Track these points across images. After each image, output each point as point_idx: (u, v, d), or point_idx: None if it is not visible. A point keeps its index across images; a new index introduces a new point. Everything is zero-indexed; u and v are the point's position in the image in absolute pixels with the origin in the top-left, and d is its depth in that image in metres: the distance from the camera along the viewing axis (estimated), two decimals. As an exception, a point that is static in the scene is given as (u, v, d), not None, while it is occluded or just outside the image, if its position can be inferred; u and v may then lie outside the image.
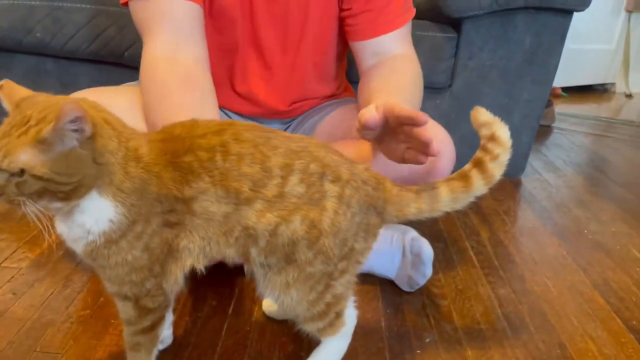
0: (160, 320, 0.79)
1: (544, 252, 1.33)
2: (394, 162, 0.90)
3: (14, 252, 1.19)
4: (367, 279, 1.13)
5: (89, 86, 1.15)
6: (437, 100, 1.70)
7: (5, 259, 1.16)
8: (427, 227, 1.37)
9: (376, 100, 0.95)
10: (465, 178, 0.82)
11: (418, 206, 0.81)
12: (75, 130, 0.61)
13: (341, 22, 1.12)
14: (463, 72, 1.67)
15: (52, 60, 1.66)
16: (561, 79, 3.03)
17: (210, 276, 1.13)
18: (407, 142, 0.85)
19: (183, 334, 0.97)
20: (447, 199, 0.82)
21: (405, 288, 1.12)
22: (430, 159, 1.06)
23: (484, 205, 1.59)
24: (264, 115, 1.20)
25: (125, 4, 1.01)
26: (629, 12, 3.27)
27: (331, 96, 1.26)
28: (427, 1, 1.67)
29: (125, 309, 0.76)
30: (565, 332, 1.02)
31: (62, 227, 0.71)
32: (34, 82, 1.66)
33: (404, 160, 0.87)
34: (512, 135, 0.85)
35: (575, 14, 1.63)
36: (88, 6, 1.54)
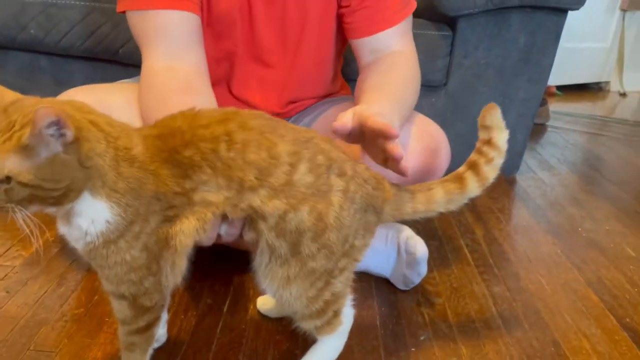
0: (155, 320, 0.78)
1: (539, 250, 1.34)
2: None
3: (8, 250, 1.19)
4: (363, 278, 1.13)
5: (84, 83, 1.15)
6: (433, 98, 1.70)
7: (-1, 257, 1.16)
8: (422, 225, 1.37)
9: (364, 101, 0.96)
10: (460, 180, 0.84)
11: (414, 206, 0.83)
12: (57, 135, 0.60)
13: (340, 19, 1.12)
14: (458, 71, 1.67)
15: (46, 57, 1.65)
16: (556, 78, 3.03)
17: (206, 274, 1.13)
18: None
19: (178, 332, 0.96)
20: (443, 200, 0.84)
21: (401, 286, 1.12)
22: (427, 157, 1.07)
23: (479, 203, 1.59)
24: None
25: (123, 12, 1.02)
26: (624, 10, 3.28)
27: (328, 95, 1.26)
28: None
29: (120, 308, 0.75)
30: (559, 330, 1.03)
31: (63, 229, 0.71)
32: (28, 79, 1.65)
33: (386, 166, 0.87)
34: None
35: (570, 12, 1.63)
36: (82, 3, 1.53)
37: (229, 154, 0.69)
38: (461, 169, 0.85)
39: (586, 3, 1.61)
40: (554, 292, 1.15)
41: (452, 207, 0.85)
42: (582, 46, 3.22)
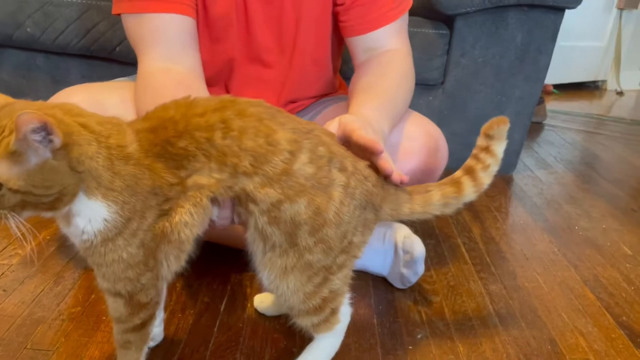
0: (150, 318, 0.78)
1: (535, 249, 1.34)
2: None
3: (4, 248, 1.18)
4: (360, 276, 1.13)
5: (80, 81, 1.14)
6: (430, 97, 1.71)
7: (-5, 255, 1.16)
8: (419, 224, 1.37)
9: (354, 104, 0.96)
10: (456, 184, 0.85)
11: (411, 207, 0.83)
12: (45, 142, 0.59)
13: (335, 17, 1.12)
14: (455, 69, 1.67)
15: (42, 55, 1.64)
16: (553, 76, 3.03)
17: (203, 273, 1.13)
18: None
19: (175, 330, 0.96)
20: (439, 203, 0.84)
21: (398, 285, 1.12)
22: (425, 156, 1.07)
23: (476, 202, 1.57)
24: None
25: (118, 15, 1.02)
26: (620, 9, 3.28)
27: (327, 94, 1.26)
28: (420, -2, 1.68)
29: (116, 306, 0.75)
30: (556, 328, 1.03)
31: (64, 228, 0.71)
32: (24, 78, 1.65)
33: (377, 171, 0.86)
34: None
35: (566, 11, 1.64)
36: (79, 1, 1.53)
37: (224, 142, 0.68)
38: (458, 173, 0.86)
39: (583, 2, 1.62)
40: (550, 290, 1.15)
41: (448, 211, 0.85)
42: (579, 45, 3.23)
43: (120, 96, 1.04)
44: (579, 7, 1.62)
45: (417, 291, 1.12)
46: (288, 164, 0.70)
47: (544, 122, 2.59)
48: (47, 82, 1.67)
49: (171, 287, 1.08)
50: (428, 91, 1.70)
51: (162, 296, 0.84)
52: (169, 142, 0.68)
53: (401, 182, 0.81)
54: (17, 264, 1.13)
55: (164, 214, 0.70)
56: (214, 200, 0.72)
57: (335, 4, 1.10)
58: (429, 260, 1.23)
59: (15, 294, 1.03)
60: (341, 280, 0.80)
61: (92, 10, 1.54)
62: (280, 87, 1.15)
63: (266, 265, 0.76)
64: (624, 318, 1.07)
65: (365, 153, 0.79)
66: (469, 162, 0.86)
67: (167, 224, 0.70)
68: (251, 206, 0.72)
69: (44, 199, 0.62)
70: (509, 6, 1.60)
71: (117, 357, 0.81)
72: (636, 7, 3.28)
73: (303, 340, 0.90)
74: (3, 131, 0.59)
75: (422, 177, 1.09)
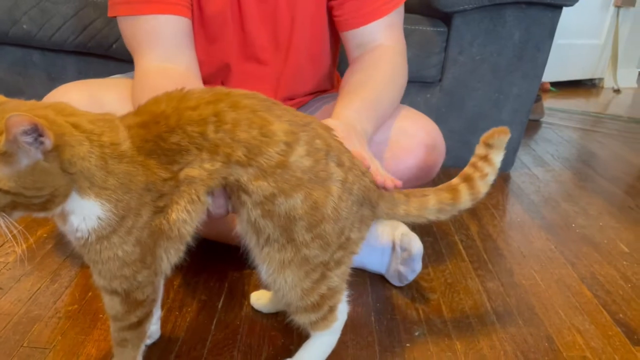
0: (147, 316, 0.78)
1: (532, 246, 1.34)
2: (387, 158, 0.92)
3: (1, 246, 1.18)
4: (357, 274, 1.13)
5: (77, 78, 1.14)
6: (427, 94, 1.70)
7: (-8, 253, 1.15)
8: (415, 223, 1.37)
9: (340, 105, 0.96)
10: (453, 191, 0.85)
11: (407, 209, 0.83)
12: (36, 143, 0.59)
13: (330, 13, 1.12)
14: (453, 67, 1.67)
15: (38, 52, 1.64)
16: (550, 74, 3.04)
17: (200, 271, 1.13)
18: None
19: (172, 328, 0.96)
20: (435, 209, 0.84)
21: (395, 283, 1.12)
22: (423, 154, 1.07)
23: (473, 199, 1.59)
24: None
25: (114, 17, 1.01)
26: (618, 7, 3.28)
27: (324, 91, 1.26)
28: (418, -5, 1.68)
29: (112, 304, 0.75)
30: (553, 325, 1.03)
31: (61, 226, 0.71)
32: (21, 74, 1.64)
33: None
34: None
35: (564, 8, 1.64)
36: (75, -3, 1.53)
37: (217, 135, 0.68)
38: (455, 180, 0.87)
39: (580, -1, 1.62)
40: (547, 288, 1.16)
41: (443, 216, 0.86)
42: (576, 42, 3.23)
43: (117, 93, 1.04)
44: (577, 4, 1.62)
45: (415, 289, 1.12)
46: (284, 156, 0.69)
47: (541, 119, 2.59)
48: (43, 79, 1.66)
49: (168, 285, 1.07)
50: (426, 89, 1.70)
51: (159, 293, 0.84)
52: (161, 138, 0.68)
53: (395, 186, 0.81)
54: (14, 262, 1.12)
55: (160, 210, 0.69)
56: (209, 191, 0.72)
57: None
58: (427, 258, 1.23)
59: (11, 292, 1.03)
60: (339, 278, 0.80)
61: (89, 7, 1.54)
62: (277, 84, 1.15)
63: (265, 259, 0.76)
64: (620, 315, 1.08)
65: None
66: (467, 170, 0.87)
67: (164, 221, 0.70)
68: (243, 196, 0.71)
69: (35, 200, 0.62)
70: (506, 4, 1.59)
71: (114, 355, 0.81)
72: (633, 5, 3.28)
73: (300, 337, 0.90)
74: None
75: (419, 174, 1.09)
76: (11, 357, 0.86)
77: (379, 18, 1.07)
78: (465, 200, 0.85)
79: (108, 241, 0.68)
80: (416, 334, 0.99)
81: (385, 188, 0.80)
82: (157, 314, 0.90)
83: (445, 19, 1.63)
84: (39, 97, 0.97)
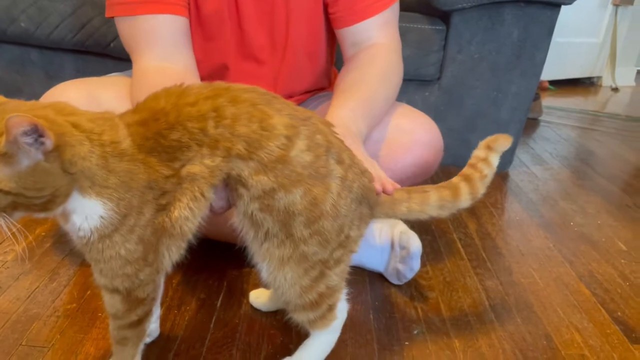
0: (147, 314, 0.78)
1: (531, 244, 1.34)
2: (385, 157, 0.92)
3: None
4: (356, 272, 1.13)
5: (75, 77, 1.14)
6: (426, 92, 1.70)
7: (-10, 252, 1.15)
8: (415, 220, 1.37)
9: (334, 105, 0.97)
10: (454, 189, 0.86)
11: (409, 205, 0.84)
12: (36, 144, 0.58)
13: (325, 10, 1.12)
14: (451, 65, 1.67)
15: (36, 50, 1.63)
16: (548, 73, 3.04)
17: (199, 269, 1.13)
18: None
19: (171, 327, 0.96)
20: (436, 205, 0.85)
21: (394, 281, 1.12)
22: (421, 151, 1.08)
23: (472, 197, 1.59)
24: None
25: (111, 18, 1.01)
26: (616, 5, 3.29)
27: (322, 89, 1.26)
28: (416, -7, 1.67)
29: (113, 303, 0.75)
30: (551, 324, 1.03)
31: (63, 225, 0.70)
32: (19, 73, 1.64)
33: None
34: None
35: (562, 7, 1.64)
36: (73, -5, 1.52)
37: (217, 130, 0.67)
38: (455, 179, 0.88)
39: (579, -2, 1.62)
40: (546, 286, 1.16)
41: (444, 213, 0.87)
42: (574, 41, 3.23)
43: (115, 91, 1.04)
44: (575, 3, 1.62)
45: (414, 287, 1.13)
46: (285, 150, 0.69)
47: (539, 118, 2.59)
48: (41, 77, 1.66)
49: (167, 283, 1.07)
50: (424, 87, 1.70)
51: (159, 292, 0.84)
52: (162, 135, 0.68)
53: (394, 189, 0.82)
54: (12, 260, 1.12)
55: (162, 208, 0.69)
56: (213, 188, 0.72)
57: None
58: (425, 256, 1.23)
59: (10, 291, 1.03)
60: (338, 276, 0.80)
61: (87, 5, 1.53)
62: (274, 83, 1.15)
63: (265, 256, 0.76)
64: (619, 313, 1.08)
65: None
66: (467, 170, 0.88)
67: (166, 219, 0.70)
68: (241, 189, 0.71)
69: (36, 201, 0.61)
70: (505, 2, 1.59)
71: (113, 353, 0.81)
72: (632, 4, 3.28)
73: (299, 336, 0.90)
74: None
75: (417, 172, 1.09)
76: (10, 355, 0.86)
77: (373, 15, 1.07)
78: (465, 199, 0.86)
79: (110, 240, 0.68)
80: (415, 332, 0.99)
81: (385, 192, 0.80)
82: (156, 312, 0.90)
83: (444, 17, 1.63)
84: (37, 95, 0.97)
